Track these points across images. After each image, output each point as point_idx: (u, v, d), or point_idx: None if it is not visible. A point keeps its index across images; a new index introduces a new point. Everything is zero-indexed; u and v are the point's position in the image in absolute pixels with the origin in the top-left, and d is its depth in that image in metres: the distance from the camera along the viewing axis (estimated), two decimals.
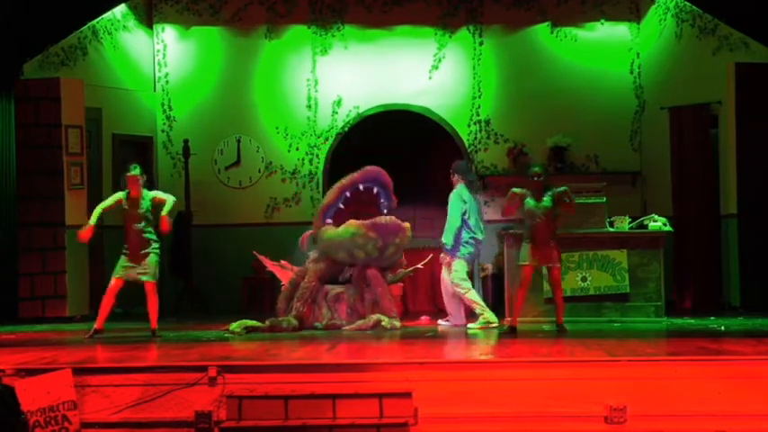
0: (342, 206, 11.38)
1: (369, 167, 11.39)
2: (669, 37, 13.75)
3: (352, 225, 11.11)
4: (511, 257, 11.20)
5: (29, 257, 12.64)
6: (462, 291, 11.03)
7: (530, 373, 7.34)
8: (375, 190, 11.36)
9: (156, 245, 10.25)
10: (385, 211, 11.36)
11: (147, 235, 10.18)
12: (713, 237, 13.00)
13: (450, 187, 11.37)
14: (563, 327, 10.05)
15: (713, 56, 13.15)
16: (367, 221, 11.09)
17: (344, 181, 11.42)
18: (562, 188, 10.15)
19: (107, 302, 10.20)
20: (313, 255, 11.45)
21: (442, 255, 11.26)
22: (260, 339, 9.80)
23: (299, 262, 11.76)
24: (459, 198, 11.23)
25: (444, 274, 11.28)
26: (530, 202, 10.13)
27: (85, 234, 10.23)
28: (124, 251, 10.20)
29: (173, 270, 13.93)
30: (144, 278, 10.14)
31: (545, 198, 10.10)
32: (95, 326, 10.17)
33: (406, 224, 11.32)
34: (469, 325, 10.92)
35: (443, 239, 11.10)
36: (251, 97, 14.56)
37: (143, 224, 10.17)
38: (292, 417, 7.04)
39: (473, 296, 11.07)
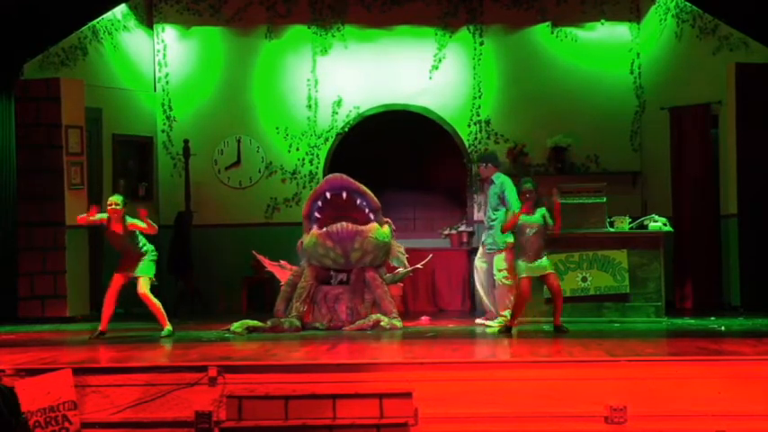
0: (318, 215, 11.23)
1: (330, 176, 11.27)
2: (669, 37, 13.75)
3: (313, 235, 11.07)
4: (510, 259, 11.10)
5: (29, 257, 12.64)
6: (510, 285, 10.75)
7: (530, 373, 7.35)
8: (344, 195, 11.15)
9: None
10: (366, 211, 11.18)
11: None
12: (713, 237, 12.99)
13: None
14: (562, 327, 10.03)
15: (713, 56, 13.14)
16: (323, 230, 10.99)
17: (312, 192, 11.29)
18: (545, 210, 10.08)
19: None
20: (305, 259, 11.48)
21: (486, 249, 11.01)
22: (260, 339, 9.80)
23: (298, 262, 11.76)
24: (511, 184, 10.95)
25: (481, 265, 11.13)
26: (522, 217, 10.09)
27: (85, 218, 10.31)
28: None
29: (173, 270, 13.93)
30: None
31: (536, 215, 10.06)
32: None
33: (367, 226, 11.03)
34: (488, 322, 10.89)
35: (503, 227, 10.56)
36: (251, 97, 14.56)
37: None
38: (292, 417, 7.04)
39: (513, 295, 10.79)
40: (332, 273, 11.28)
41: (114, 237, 10.21)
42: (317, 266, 11.23)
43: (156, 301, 10.30)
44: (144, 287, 10.22)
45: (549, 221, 10.07)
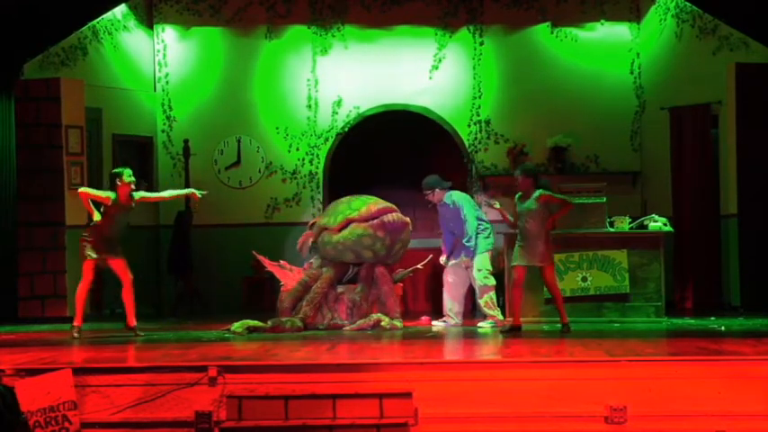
0: None
1: (395, 221, 11.08)
2: (669, 37, 13.75)
3: (358, 227, 10.98)
4: (510, 258, 11.18)
5: (29, 257, 12.65)
6: (491, 284, 11.01)
7: (530, 373, 7.34)
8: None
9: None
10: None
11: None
12: (713, 237, 13.00)
13: None
14: (567, 326, 10.00)
15: (713, 56, 13.15)
16: (374, 222, 10.98)
17: (354, 215, 11.07)
18: (539, 192, 10.09)
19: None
20: (316, 260, 11.36)
21: (457, 260, 11.14)
22: (260, 339, 9.80)
23: (298, 262, 11.75)
24: (466, 198, 11.29)
25: (450, 275, 11.22)
26: (518, 203, 10.12)
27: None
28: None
29: (172, 270, 13.93)
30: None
31: (530, 200, 10.07)
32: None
33: (408, 218, 11.32)
34: (480, 324, 10.94)
35: (467, 243, 10.94)
36: (251, 97, 14.56)
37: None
38: (292, 417, 7.04)
39: (494, 294, 11.10)
40: (351, 267, 11.24)
41: (121, 214, 10.26)
42: (335, 273, 11.11)
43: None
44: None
45: (557, 197, 10.17)
